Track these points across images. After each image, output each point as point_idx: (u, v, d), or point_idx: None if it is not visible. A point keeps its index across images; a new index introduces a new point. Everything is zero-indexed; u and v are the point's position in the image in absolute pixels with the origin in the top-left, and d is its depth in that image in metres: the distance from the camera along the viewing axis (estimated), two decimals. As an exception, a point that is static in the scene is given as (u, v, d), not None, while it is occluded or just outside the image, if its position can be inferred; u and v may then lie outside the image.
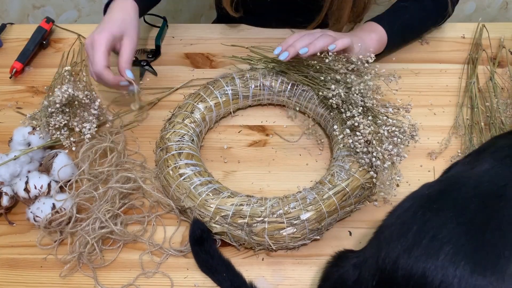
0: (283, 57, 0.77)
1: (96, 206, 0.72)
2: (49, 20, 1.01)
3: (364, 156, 0.72)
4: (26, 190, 0.73)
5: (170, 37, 1.03)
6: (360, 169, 0.73)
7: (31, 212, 0.71)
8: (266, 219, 0.68)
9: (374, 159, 0.71)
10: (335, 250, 0.71)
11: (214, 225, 0.70)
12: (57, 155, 0.77)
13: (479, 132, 0.82)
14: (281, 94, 0.86)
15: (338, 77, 0.77)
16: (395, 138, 0.71)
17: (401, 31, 0.91)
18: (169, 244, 0.73)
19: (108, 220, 0.70)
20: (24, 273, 0.70)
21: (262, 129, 0.87)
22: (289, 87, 0.85)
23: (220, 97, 0.84)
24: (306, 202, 0.70)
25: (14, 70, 0.94)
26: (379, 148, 0.71)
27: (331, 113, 0.80)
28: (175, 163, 0.75)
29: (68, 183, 0.75)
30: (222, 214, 0.69)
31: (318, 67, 0.79)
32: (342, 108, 0.77)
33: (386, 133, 0.71)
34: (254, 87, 0.86)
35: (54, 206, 0.71)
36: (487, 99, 0.88)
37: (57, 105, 0.78)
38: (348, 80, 0.76)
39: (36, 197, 0.73)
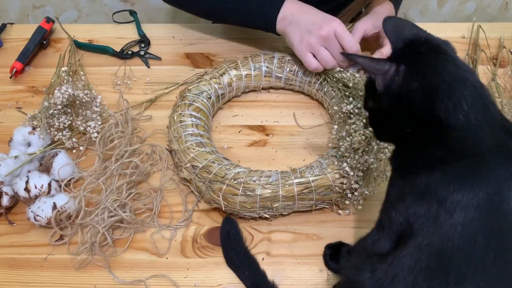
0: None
1: (103, 196, 0.73)
2: (49, 20, 1.01)
3: (343, 160, 0.72)
4: (27, 189, 0.73)
5: (170, 37, 1.03)
6: (335, 170, 0.73)
7: (31, 211, 0.71)
8: (226, 181, 0.71)
9: (345, 164, 0.71)
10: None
11: (184, 170, 0.76)
12: (57, 154, 0.77)
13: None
14: (311, 84, 0.89)
15: (361, 93, 0.79)
16: (382, 154, 0.72)
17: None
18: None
19: (116, 208, 0.72)
20: (24, 273, 0.70)
21: (262, 129, 0.87)
22: (319, 81, 0.88)
23: (253, 70, 0.88)
24: (268, 181, 0.72)
25: (14, 70, 0.94)
26: (356, 156, 0.71)
27: (342, 115, 0.81)
28: (182, 111, 0.82)
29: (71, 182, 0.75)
30: (194, 164, 0.75)
31: (347, 82, 0.83)
32: (351, 114, 0.78)
33: (376, 147, 0.72)
34: (288, 71, 0.89)
35: (55, 205, 0.71)
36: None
37: (59, 106, 0.78)
38: None
39: (36, 197, 0.73)
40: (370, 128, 0.69)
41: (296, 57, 0.88)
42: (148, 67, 0.97)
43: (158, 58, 0.98)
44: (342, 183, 0.72)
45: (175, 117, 0.82)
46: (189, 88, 0.86)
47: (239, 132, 0.87)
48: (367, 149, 0.72)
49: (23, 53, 0.96)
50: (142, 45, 1.00)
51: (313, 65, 0.84)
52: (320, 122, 0.88)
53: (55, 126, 0.79)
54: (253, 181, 0.72)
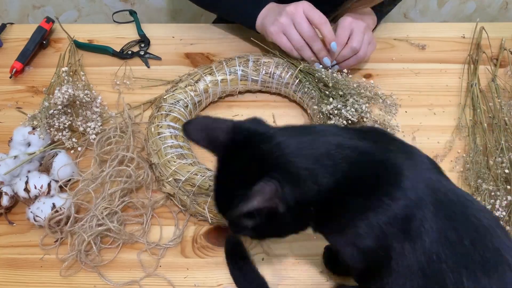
0: (328, 63, 0.86)
1: (94, 203, 0.72)
2: (49, 20, 1.01)
3: None
4: (26, 190, 0.72)
5: (170, 37, 1.03)
6: None
7: (31, 212, 0.71)
8: (210, 193, 0.70)
9: None
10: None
11: (166, 184, 0.73)
12: (57, 154, 0.77)
13: (482, 133, 0.82)
14: (288, 86, 0.88)
15: (341, 92, 0.79)
16: None
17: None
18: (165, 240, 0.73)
19: (104, 217, 0.70)
20: (24, 273, 0.70)
21: (262, 129, 0.87)
22: (296, 82, 0.87)
23: (229, 75, 0.87)
24: None
25: (14, 70, 0.94)
26: None
27: (322, 117, 0.80)
28: (159, 122, 0.79)
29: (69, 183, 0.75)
30: (176, 177, 0.72)
31: (327, 82, 0.82)
32: (331, 115, 0.78)
33: None
34: (264, 73, 0.88)
35: (54, 206, 0.71)
36: (489, 99, 0.88)
37: (59, 107, 0.78)
38: (348, 99, 0.78)
39: (36, 197, 0.73)
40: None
41: (271, 59, 0.88)
42: (148, 67, 0.97)
43: (158, 58, 0.98)
44: None
45: (153, 129, 0.79)
46: (165, 97, 0.83)
47: (239, 132, 0.87)
48: None
49: (23, 53, 0.96)
50: (142, 45, 1.00)
51: (288, 46, 0.86)
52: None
53: (55, 126, 0.79)
54: None
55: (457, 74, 0.95)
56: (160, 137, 0.77)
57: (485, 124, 0.83)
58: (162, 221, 0.75)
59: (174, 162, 0.74)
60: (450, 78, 0.94)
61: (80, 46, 1.00)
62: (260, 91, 0.92)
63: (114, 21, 1.06)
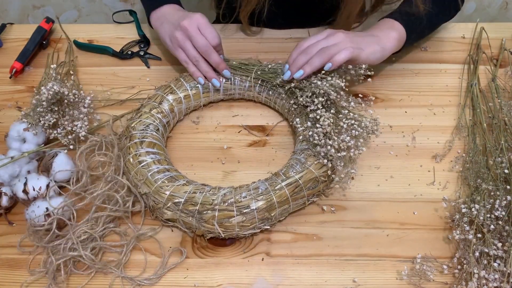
0: (286, 76, 0.81)
1: (74, 225, 0.70)
2: (49, 20, 1.01)
3: (320, 149, 0.73)
4: (25, 191, 0.72)
5: (170, 37, 1.03)
6: (315, 162, 0.73)
7: (27, 214, 0.71)
8: (216, 207, 0.69)
9: (329, 147, 0.71)
10: (335, 251, 0.72)
11: (165, 211, 0.71)
12: (57, 155, 0.77)
13: (482, 133, 0.82)
14: (251, 89, 0.87)
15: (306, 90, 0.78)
16: (353, 131, 0.73)
17: (418, 26, 0.87)
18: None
19: (79, 243, 0.67)
20: (24, 273, 0.70)
21: (262, 129, 0.87)
22: (259, 82, 0.86)
23: (190, 90, 0.86)
24: (258, 192, 0.71)
25: (14, 70, 0.94)
26: (336, 138, 0.72)
27: (297, 108, 0.80)
28: (136, 151, 0.76)
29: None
30: (175, 201, 0.70)
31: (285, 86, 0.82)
32: (307, 102, 0.77)
33: (345, 126, 0.73)
34: (224, 82, 0.87)
35: (47, 210, 0.70)
36: (489, 99, 0.88)
37: (44, 103, 0.77)
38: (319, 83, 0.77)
39: (35, 199, 0.73)
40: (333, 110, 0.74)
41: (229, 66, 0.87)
42: (148, 67, 0.97)
43: (158, 58, 0.98)
44: (325, 171, 0.73)
45: (131, 160, 0.75)
46: (132, 125, 0.80)
47: (239, 132, 0.87)
48: (336, 130, 0.73)
49: (23, 53, 0.96)
50: (142, 45, 1.00)
51: (184, 60, 0.85)
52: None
53: (40, 123, 0.78)
54: (244, 198, 0.70)
55: (457, 74, 0.95)
56: (142, 166, 0.74)
57: (485, 124, 0.83)
58: (149, 256, 0.72)
59: (167, 186, 0.72)
60: (450, 78, 0.94)
61: (80, 46, 1.00)
62: (222, 100, 0.90)
63: (114, 21, 1.06)
